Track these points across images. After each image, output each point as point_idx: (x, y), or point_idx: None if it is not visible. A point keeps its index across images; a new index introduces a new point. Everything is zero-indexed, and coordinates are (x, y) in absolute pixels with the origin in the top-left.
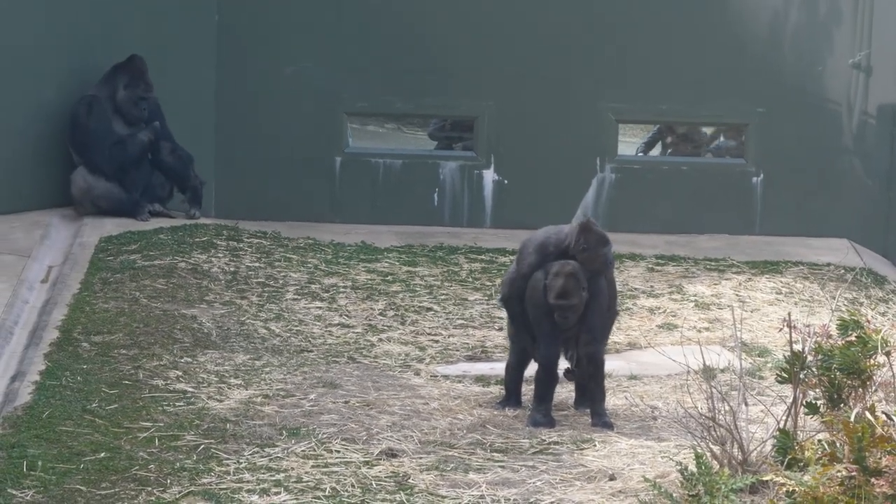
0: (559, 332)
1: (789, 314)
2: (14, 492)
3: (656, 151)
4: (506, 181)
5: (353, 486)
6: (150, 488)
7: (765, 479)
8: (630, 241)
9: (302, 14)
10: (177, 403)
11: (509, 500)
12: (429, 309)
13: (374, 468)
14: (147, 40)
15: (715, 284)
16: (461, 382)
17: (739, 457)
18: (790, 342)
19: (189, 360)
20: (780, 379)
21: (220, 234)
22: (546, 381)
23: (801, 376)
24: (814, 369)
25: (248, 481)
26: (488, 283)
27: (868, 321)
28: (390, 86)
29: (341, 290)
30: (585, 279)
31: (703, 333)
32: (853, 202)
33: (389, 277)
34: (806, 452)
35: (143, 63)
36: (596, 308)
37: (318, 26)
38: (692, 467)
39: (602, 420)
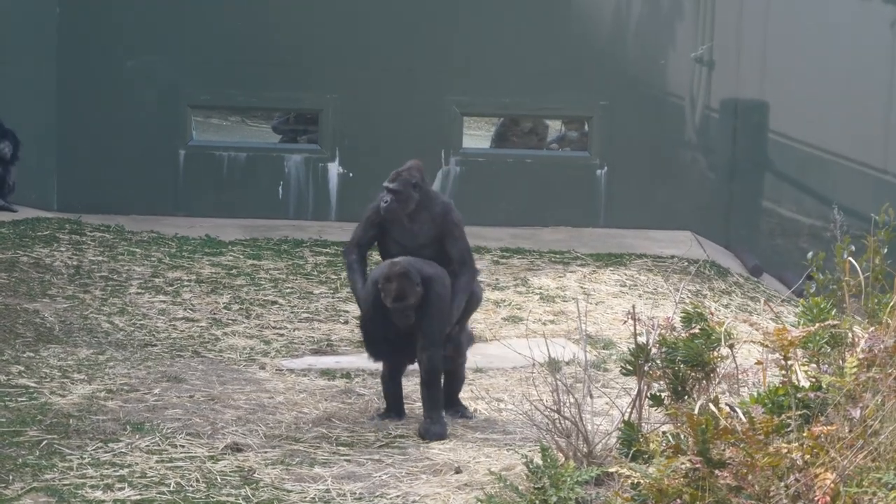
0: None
1: (634, 306)
2: None
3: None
4: (351, 174)
5: (198, 480)
6: None
7: (610, 471)
8: (475, 235)
9: (144, 6)
10: (19, 399)
11: (355, 493)
12: (274, 302)
13: (219, 463)
14: None
15: (560, 277)
16: (307, 376)
17: (585, 449)
18: (635, 334)
19: (31, 354)
20: (624, 371)
21: (63, 228)
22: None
23: (646, 368)
24: (658, 361)
25: (91, 477)
26: (333, 277)
27: (711, 313)
28: (234, 78)
29: (185, 283)
30: (419, 277)
31: (549, 326)
32: (696, 195)
33: (234, 271)
34: (651, 444)
35: None
36: (431, 311)
37: (160, 18)
38: (538, 460)
39: (426, 428)
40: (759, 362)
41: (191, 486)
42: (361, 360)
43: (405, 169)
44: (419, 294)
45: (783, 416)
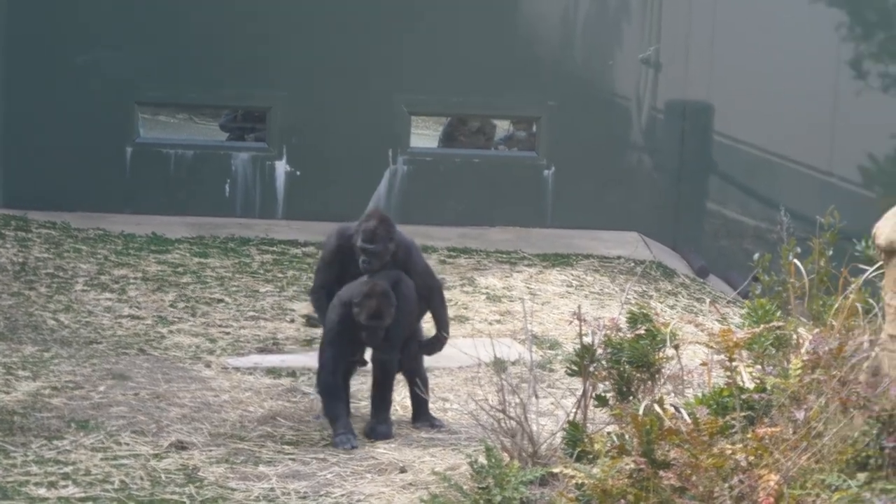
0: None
1: (579, 307)
2: None
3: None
4: (298, 172)
5: (142, 478)
6: None
7: (554, 471)
8: (423, 234)
9: (93, 2)
10: None
11: (299, 492)
12: (220, 300)
13: (163, 461)
14: None
15: (506, 277)
16: (252, 374)
17: (530, 449)
18: (580, 335)
19: None
20: (570, 371)
21: (8, 225)
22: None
23: (591, 369)
24: (603, 362)
25: (35, 474)
26: (280, 275)
27: (657, 314)
28: (182, 76)
29: (131, 281)
30: (394, 298)
31: (495, 326)
32: (643, 196)
33: (180, 269)
34: (595, 445)
35: None
36: (398, 315)
37: (110, 15)
38: (482, 459)
39: (372, 428)
40: (704, 363)
41: (135, 483)
42: (307, 359)
43: (379, 225)
44: (393, 316)
45: (728, 418)
